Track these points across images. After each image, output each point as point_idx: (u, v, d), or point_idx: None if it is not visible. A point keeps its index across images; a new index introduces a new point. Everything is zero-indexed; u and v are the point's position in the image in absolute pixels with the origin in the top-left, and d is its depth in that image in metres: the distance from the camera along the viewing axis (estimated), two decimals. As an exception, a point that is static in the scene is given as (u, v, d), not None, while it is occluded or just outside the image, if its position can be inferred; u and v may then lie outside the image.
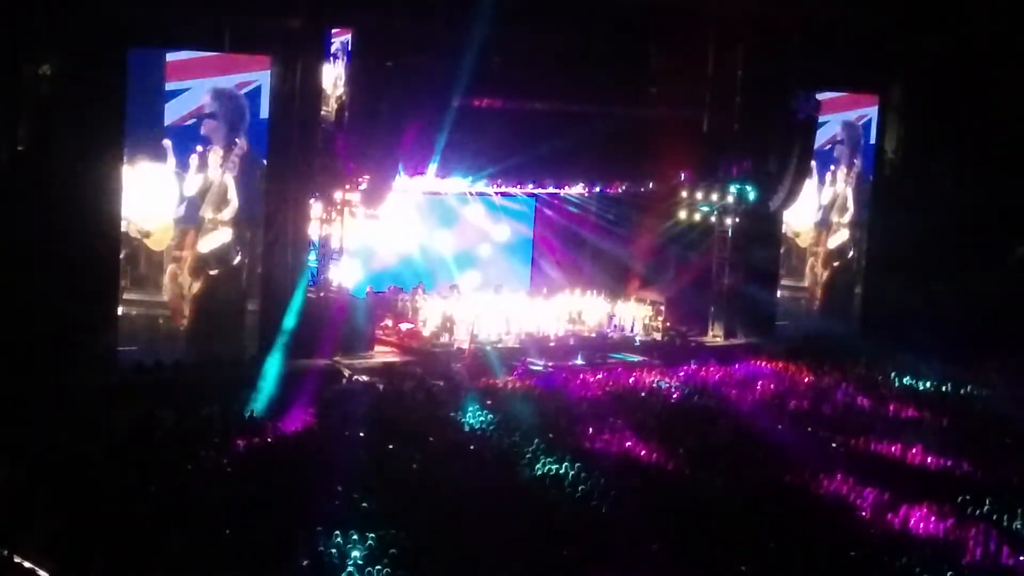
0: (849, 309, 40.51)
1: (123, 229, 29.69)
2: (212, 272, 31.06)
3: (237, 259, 31.22)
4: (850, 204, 40.55)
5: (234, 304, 31.21)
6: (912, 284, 38.20)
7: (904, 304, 37.95)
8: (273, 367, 29.48)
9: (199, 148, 30.13)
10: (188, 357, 29.82)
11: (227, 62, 30.27)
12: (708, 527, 21.32)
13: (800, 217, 39.57)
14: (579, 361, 33.97)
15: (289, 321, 30.81)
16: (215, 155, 30.50)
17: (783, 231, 39.37)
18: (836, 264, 40.71)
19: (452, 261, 37.84)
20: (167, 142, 29.69)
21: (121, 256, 29.83)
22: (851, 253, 40.80)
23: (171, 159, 29.82)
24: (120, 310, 29.85)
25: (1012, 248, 40.56)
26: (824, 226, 40.24)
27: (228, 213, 30.88)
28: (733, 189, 37.45)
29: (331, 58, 31.61)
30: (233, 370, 29.48)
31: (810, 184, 38.93)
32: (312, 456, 23.96)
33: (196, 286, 30.90)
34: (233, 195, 30.99)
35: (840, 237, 40.68)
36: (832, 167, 39.91)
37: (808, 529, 21.90)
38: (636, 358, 34.78)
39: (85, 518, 19.93)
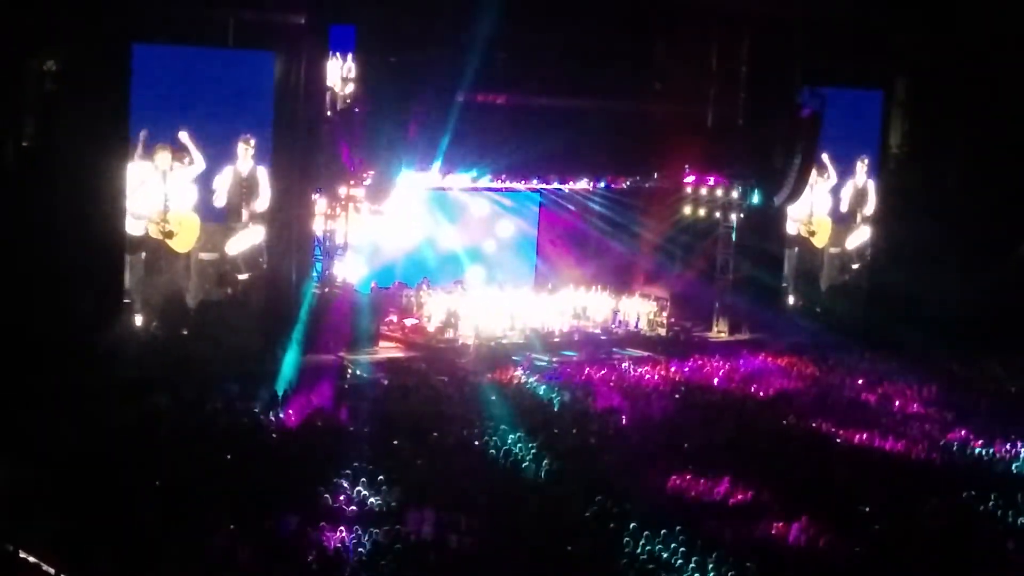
0: (854, 305, 40.36)
1: (144, 230, 29.65)
2: (242, 277, 31.05)
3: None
4: (871, 200, 40.64)
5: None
6: (916, 279, 38.11)
7: (908, 299, 37.88)
8: (279, 363, 29.50)
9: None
10: (195, 354, 29.81)
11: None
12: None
13: (816, 214, 39.61)
14: (583, 356, 33.93)
15: (295, 317, 30.84)
16: (245, 145, 30.53)
17: (798, 231, 39.31)
18: (856, 267, 40.61)
19: (457, 257, 37.86)
20: (183, 134, 29.67)
21: (141, 258, 29.76)
22: (869, 253, 40.72)
23: (194, 151, 29.79)
24: (139, 320, 29.75)
25: (1016, 244, 40.48)
26: (843, 224, 40.21)
27: (259, 209, 30.87)
28: (737, 185, 37.38)
29: (336, 54, 31.57)
30: (238, 366, 29.44)
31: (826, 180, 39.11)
32: (317, 451, 23.94)
33: (224, 294, 30.93)
34: (265, 189, 31.00)
35: (860, 235, 40.65)
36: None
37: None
38: (641, 353, 34.75)
39: (90, 515, 19.93)
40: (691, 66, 36.85)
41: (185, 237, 30.13)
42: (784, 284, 39.43)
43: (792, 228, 39.21)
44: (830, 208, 39.81)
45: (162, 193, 29.69)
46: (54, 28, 27.64)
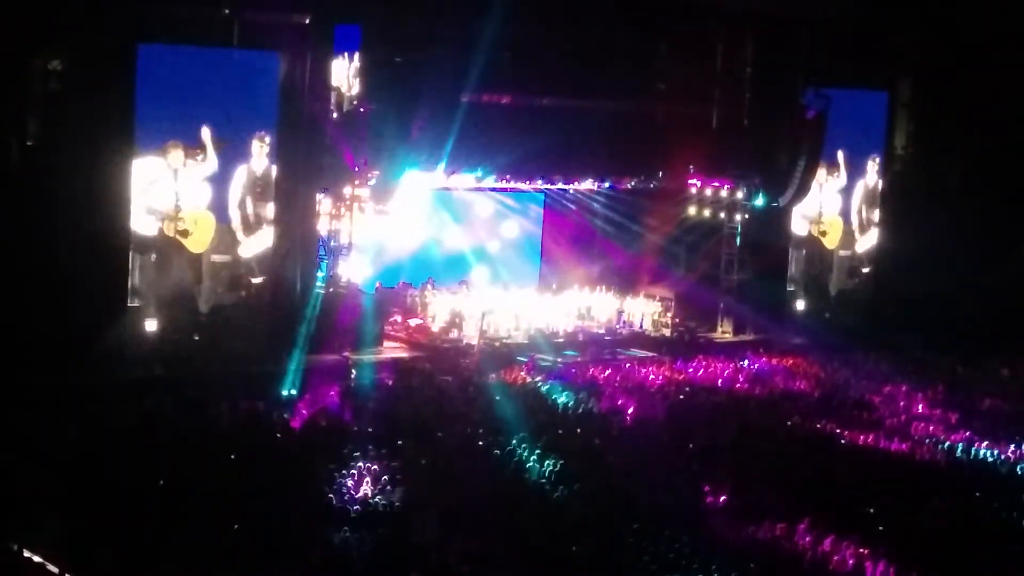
0: (859, 305, 40.29)
1: (157, 229, 29.53)
2: (256, 280, 30.94)
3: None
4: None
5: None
6: (920, 280, 38.08)
7: (912, 300, 37.85)
8: (284, 363, 29.53)
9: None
10: (199, 355, 29.81)
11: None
12: None
13: (828, 215, 39.54)
14: (588, 356, 33.91)
15: (300, 317, 30.86)
16: (260, 143, 30.51)
17: (809, 232, 39.31)
18: (866, 271, 40.50)
19: (461, 257, 37.89)
20: (205, 131, 29.61)
21: (152, 260, 29.64)
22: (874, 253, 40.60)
23: (211, 150, 29.73)
24: (154, 325, 29.60)
25: (1020, 245, 40.47)
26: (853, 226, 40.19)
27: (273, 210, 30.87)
28: (742, 185, 37.31)
29: (344, 54, 31.52)
30: (242, 366, 29.47)
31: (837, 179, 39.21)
32: (321, 451, 23.95)
33: (238, 297, 30.78)
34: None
35: (871, 239, 40.54)
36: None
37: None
38: (645, 354, 34.74)
39: (94, 514, 19.95)
40: (696, 66, 36.82)
41: (200, 236, 29.94)
42: (792, 288, 39.33)
43: (803, 229, 39.11)
44: (840, 208, 39.67)
45: (173, 191, 29.56)
46: (59, 27, 27.70)
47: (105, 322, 28.32)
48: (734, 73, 36.93)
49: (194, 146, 29.62)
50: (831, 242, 39.72)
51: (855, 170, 39.78)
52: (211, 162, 29.81)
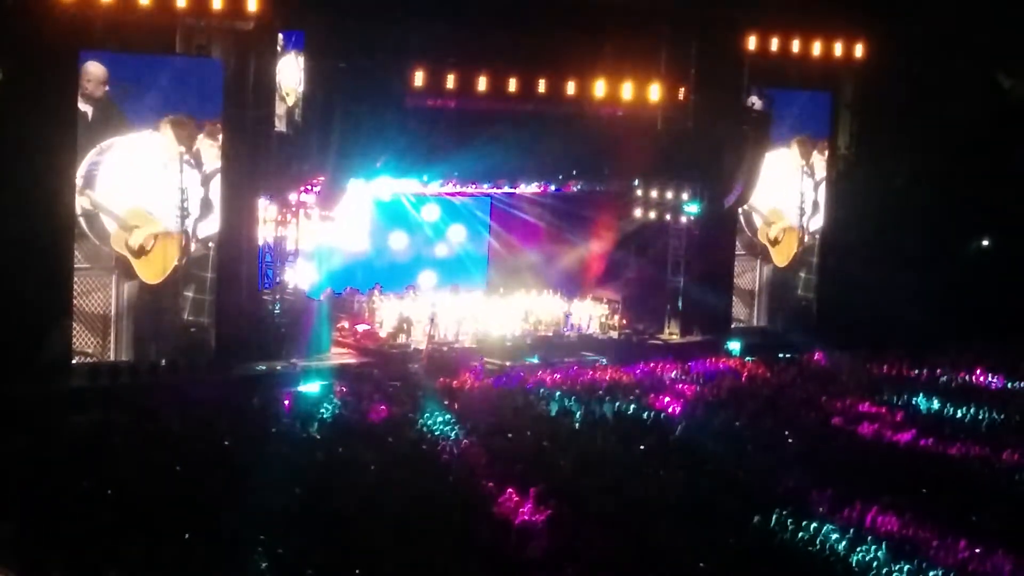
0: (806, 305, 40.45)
1: (111, 245, 29.25)
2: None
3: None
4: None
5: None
6: (866, 279, 38.28)
7: (859, 299, 38.07)
8: (231, 371, 29.45)
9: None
10: (142, 362, 29.63)
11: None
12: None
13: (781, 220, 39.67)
14: (536, 360, 33.94)
15: (247, 324, 30.76)
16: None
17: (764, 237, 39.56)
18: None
19: (408, 261, 37.89)
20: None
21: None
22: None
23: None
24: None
25: (967, 244, 40.76)
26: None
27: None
28: (687, 187, 37.35)
29: (290, 52, 31.38)
30: (189, 375, 29.34)
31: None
32: (268, 458, 23.87)
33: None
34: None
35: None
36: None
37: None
38: (594, 356, 34.79)
39: (43, 524, 19.83)
40: (640, 68, 36.82)
41: (156, 261, 29.69)
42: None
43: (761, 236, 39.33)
44: (793, 214, 39.76)
45: (176, 188, 29.71)
46: (1, 37, 27.47)
47: (49, 330, 28.06)
48: (678, 74, 36.97)
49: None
50: (781, 257, 39.81)
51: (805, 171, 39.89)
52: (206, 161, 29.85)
